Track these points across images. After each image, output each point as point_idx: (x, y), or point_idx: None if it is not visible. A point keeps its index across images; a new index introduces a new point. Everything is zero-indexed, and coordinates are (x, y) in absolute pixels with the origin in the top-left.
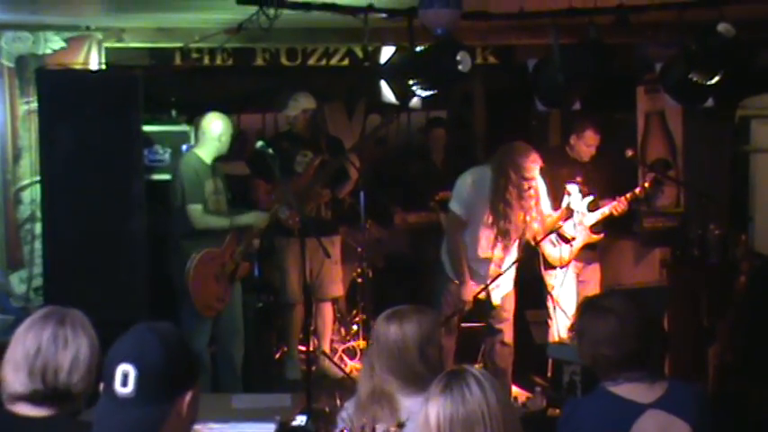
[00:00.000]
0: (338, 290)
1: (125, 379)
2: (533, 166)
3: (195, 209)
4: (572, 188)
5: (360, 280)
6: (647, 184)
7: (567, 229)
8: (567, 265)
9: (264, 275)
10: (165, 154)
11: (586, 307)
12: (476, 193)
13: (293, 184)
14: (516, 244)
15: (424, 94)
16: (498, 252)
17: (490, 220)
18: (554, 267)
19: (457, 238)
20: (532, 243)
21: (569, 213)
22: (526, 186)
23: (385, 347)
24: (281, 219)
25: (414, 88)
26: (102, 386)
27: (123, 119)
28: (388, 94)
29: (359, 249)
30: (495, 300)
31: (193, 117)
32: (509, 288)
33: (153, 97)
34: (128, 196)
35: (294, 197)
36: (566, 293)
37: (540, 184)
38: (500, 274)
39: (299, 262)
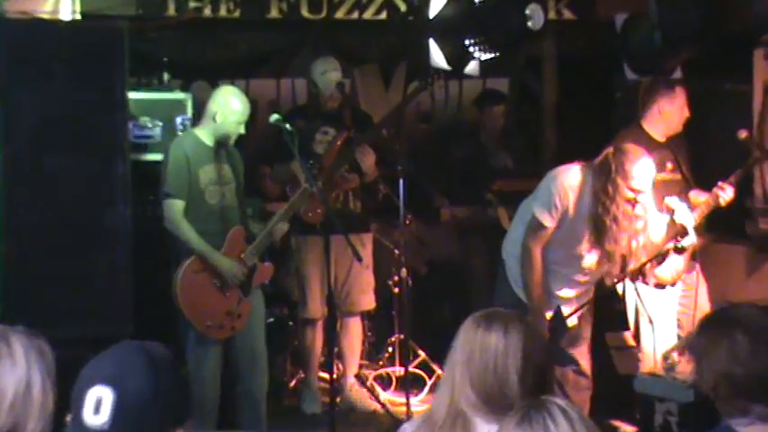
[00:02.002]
0: (369, 302)
1: (98, 405)
2: (646, 177)
3: (171, 205)
4: (674, 203)
5: (396, 290)
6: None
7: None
8: (675, 283)
9: (276, 283)
10: (154, 128)
11: (709, 321)
12: (571, 199)
13: (315, 165)
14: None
15: (484, 57)
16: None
17: (589, 237)
18: (662, 285)
19: (536, 252)
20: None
21: (678, 232)
22: (634, 200)
23: (479, 357)
24: (298, 211)
25: (470, 50)
26: (69, 417)
27: (103, 84)
28: (437, 56)
29: (396, 251)
30: (572, 320)
31: (190, 82)
32: (584, 308)
33: (140, 57)
34: (108, 181)
35: (316, 183)
36: (659, 312)
37: (649, 202)
38: (582, 306)
39: (322, 266)
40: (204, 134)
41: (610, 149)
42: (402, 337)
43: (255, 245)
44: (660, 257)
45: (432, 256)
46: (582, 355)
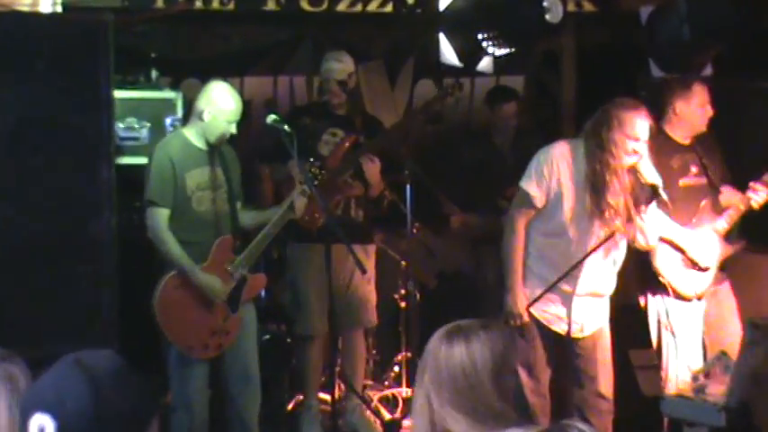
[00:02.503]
0: (370, 318)
1: None
2: (642, 124)
3: (154, 214)
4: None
5: (403, 305)
6: None
7: (697, 252)
8: (701, 298)
9: (272, 296)
10: (141, 130)
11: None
12: (563, 170)
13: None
14: (621, 246)
15: (498, 52)
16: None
17: (590, 203)
18: (684, 299)
19: (519, 225)
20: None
21: (651, 194)
22: (631, 150)
23: (447, 375)
24: (295, 216)
25: (483, 45)
26: None
27: (86, 81)
28: (447, 52)
29: (402, 263)
30: (586, 330)
31: (181, 80)
32: (604, 318)
33: (126, 52)
34: (91, 187)
35: (316, 187)
36: (683, 326)
37: (647, 162)
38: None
39: (321, 277)
40: (193, 134)
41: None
42: (409, 355)
43: (245, 255)
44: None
45: (441, 267)
46: (603, 374)
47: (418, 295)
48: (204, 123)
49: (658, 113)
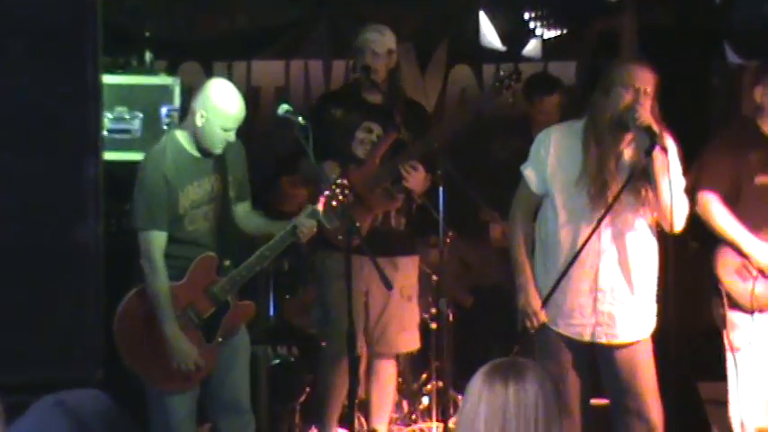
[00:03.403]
0: (411, 341)
1: None
2: (642, 76)
3: (151, 239)
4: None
5: (434, 326)
6: None
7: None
8: (765, 309)
9: (283, 312)
10: (133, 120)
11: None
12: (567, 153)
13: (352, 174)
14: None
15: (547, 34)
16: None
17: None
18: (743, 310)
19: (518, 214)
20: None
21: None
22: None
23: (495, 419)
24: (323, 228)
25: (531, 25)
26: None
27: (70, 66)
28: (488, 33)
29: (433, 277)
30: (621, 335)
31: (178, 64)
32: (643, 326)
33: (117, 31)
34: (75, 188)
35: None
36: (747, 343)
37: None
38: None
39: (349, 288)
40: (186, 139)
41: None
42: (440, 384)
43: (230, 277)
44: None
45: (478, 283)
46: (646, 395)
47: (451, 315)
48: (197, 128)
49: (734, 104)
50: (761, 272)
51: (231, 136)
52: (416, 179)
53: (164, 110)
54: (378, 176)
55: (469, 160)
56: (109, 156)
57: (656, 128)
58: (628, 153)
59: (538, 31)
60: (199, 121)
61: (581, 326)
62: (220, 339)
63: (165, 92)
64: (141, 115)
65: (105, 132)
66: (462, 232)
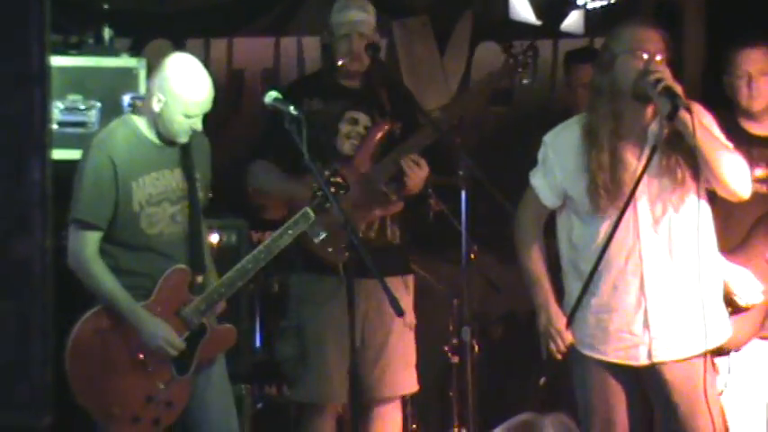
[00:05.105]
0: (411, 381)
1: None
2: (650, 38)
3: (81, 237)
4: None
5: (455, 360)
6: None
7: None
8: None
9: (269, 346)
10: (89, 111)
11: None
12: (572, 153)
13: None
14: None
15: (592, 4)
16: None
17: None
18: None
19: (524, 219)
20: None
21: None
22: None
23: None
24: (307, 242)
25: None
26: None
27: (11, 46)
28: (519, 6)
29: (454, 301)
30: (675, 351)
31: (144, 42)
32: (702, 338)
33: (69, 4)
34: (16, 193)
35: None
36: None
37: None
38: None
39: (343, 323)
40: (146, 124)
41: None
42: (464, 429)
43: (206, 296)
44: None
45: (508, 307)
46: (704, 418)
47: (476, 347)
48: (155, 114)
49: None
50: (731, 306)
51: (197, 123)
52: (419, 178)
53: (126, 98)
54: (370, 176)
55: (499, 159)
56: (58, 154)
57: (677, 89)
58: (653, 128)
59: (580, 2)
60: (156, 106)
61: (634, 347)
62: (194, 371)
63: (127, 76)
64: (99, 104)
65: (55, 126)
66: (488, 245)
